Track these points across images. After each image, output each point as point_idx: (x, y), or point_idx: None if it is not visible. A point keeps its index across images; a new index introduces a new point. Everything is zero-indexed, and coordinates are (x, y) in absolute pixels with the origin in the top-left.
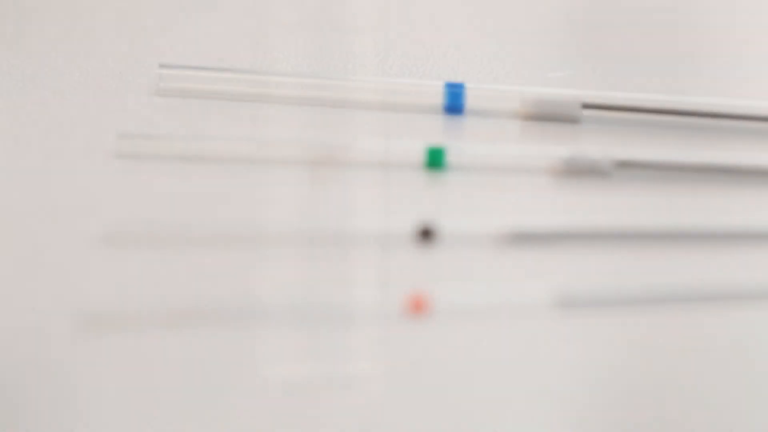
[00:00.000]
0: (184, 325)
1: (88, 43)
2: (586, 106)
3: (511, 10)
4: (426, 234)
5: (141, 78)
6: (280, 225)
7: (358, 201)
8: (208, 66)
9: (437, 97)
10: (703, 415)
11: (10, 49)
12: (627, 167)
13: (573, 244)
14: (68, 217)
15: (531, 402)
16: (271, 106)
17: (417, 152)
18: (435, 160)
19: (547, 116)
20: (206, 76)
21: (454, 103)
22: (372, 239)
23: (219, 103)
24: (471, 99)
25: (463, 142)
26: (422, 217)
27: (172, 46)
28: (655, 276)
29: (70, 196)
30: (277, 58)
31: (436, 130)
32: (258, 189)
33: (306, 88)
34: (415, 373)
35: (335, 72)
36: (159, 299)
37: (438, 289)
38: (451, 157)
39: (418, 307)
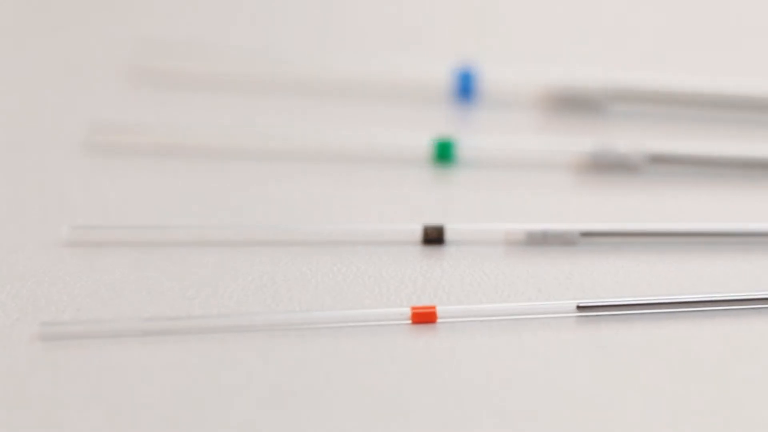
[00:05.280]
0: (158, 333)
1: (55, 20)
2: (615, 93)
3: None
4: (434, 236)
5: (115, 60)
6: (272, 225)
7: (358, 199)
8: (190, 47)
9: (446, 81)
10: (727, 422)
11: None
12: (660, 162)
13: (598, 248)
14: (33, 215)
15: (553, 413)
16: (261, 94)
17: (423, 145)
18: (444, 154)
19: (571, 104)
20: (189, 62)
21: (465, 88)
22: (375, 241)
23: (203, 90)
24: (484, 84)
25: (475, 133)
26: (430, 217)
27: (148, 24)
28: (690, 282)
29: (36, 192)
30: (268, 38)
31: (445, 120)
32: (246, 186)
33: (300, 72)
34: (425, 383)
35: (330, 53)
36: (130, 305)
37: (446, 297)
38: (461, 151)
39: (425, 317)
